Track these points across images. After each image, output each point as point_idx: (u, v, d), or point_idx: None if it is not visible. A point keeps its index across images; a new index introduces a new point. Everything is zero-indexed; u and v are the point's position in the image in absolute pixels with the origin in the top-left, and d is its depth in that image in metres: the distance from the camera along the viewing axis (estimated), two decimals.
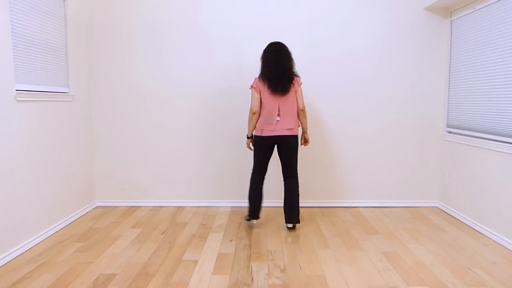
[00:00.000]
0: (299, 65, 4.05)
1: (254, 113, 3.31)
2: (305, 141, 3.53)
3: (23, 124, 2.97)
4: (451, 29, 3.92)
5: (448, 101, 3.97)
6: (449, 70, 3.96)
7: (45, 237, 3.23)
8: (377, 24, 4.01)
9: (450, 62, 3.95)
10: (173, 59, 4.07)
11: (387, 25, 4.01)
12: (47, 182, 3.29)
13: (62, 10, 3.57)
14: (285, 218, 3.41)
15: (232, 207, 4.17)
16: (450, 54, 3.94)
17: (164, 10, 4.03)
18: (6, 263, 2.74)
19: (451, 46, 3.93)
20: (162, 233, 3.37)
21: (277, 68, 3.23)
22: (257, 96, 3.30)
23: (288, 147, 3.33)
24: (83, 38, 3.93)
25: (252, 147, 3.54)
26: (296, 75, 3.32)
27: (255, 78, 3.34)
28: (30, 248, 3.01)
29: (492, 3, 3.23)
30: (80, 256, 2.87)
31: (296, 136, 3.35)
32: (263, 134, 3.31)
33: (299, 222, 3.40)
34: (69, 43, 3.66)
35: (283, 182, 3.60)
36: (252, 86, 3.32)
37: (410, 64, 4.04)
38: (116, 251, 2.96)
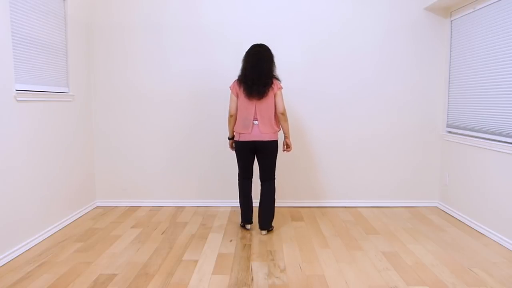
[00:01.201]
0: (299, 66, 4.05)
1: (231, 116, 3.27)
2: (287, 147, 3.38)
3: (23, 124, 2.97)
4: (451, 29, 3.92)
5: (448, 101, 3.97)
6: (449, 70, 3.96)
7: (45, 237, 3.23)
8: (377, 24, 4.01)
9: (450, 62, 3.95)
10: (173, 59, 4.07)
11: (387, 25, 4.01)
12: (47, 182, 3.28)
13: (62, 9, 3.57)
14: (258, 223, 3.33)
15: (232, 207, 4.17)
16: (450, 54, 3.94)
17: (164, 9, 4.03)
18: (6, 263, 2.74)
19: (451, 46, 3.93)
20: (162, 233, 3.37)
21: (253, 71, 3.14)
22: (234, 98, 3.24)
23: (264, 151, 3.24)
24: (83, 38, 3.93)
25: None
26: (277, 79, 3.22)
27: (234, 80, 3.28)
28: (30, 248, 3.01)
29: (492, 3, 3.23)
30: (80, 256, 2.86)
31: (274, 141, 3.25)
32: (241, 139, 3.24)
33: (271, 228, 3.36)
34: (69, 43, 3.66)
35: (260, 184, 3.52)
36: (230, 88, 3.27)
37: (410, 64, 4.04)
38: (116, 251, 2.96)
